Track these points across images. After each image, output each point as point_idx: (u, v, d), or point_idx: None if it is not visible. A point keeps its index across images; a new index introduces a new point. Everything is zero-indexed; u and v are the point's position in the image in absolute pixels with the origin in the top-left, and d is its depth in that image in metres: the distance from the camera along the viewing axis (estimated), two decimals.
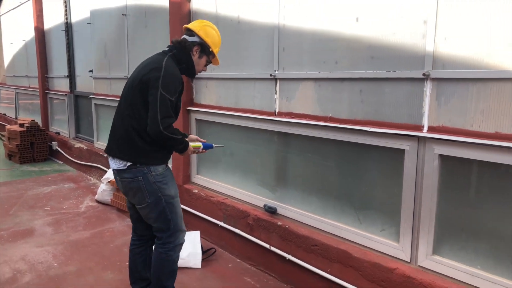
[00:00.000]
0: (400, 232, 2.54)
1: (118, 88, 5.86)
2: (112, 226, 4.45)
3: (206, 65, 2.69)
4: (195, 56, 2.60)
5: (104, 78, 6.23)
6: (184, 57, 2.56)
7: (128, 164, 2.46)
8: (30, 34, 8.94)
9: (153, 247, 2.68)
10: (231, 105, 3.81)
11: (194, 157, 4.30)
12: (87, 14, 6.44)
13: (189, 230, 3.52)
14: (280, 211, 3.35)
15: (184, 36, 2.61)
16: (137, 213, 2.67)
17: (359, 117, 2.73)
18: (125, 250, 3.77)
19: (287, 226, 3.20)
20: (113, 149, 2.52)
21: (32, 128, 7.72)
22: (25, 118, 9.41)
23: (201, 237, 3.72)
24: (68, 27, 7.37)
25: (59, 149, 7.79)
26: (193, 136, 2.85)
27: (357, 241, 2.80)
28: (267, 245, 3.34)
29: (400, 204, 2.53)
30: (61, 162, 7.70)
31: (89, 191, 5.78)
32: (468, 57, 2.16)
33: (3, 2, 11.16)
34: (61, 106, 8.01)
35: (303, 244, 3.05)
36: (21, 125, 7.81)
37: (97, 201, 5.25)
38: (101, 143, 6.52)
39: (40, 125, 8.13)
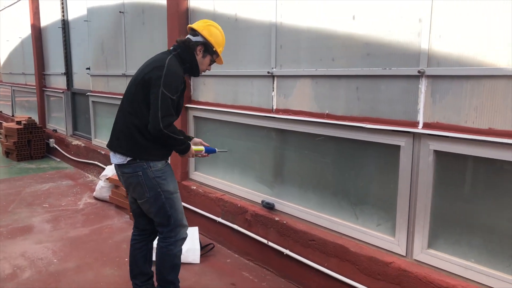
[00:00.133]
0: (396, 227, 2.59)
1: (115, 86, 5.87)
2: (111, 222, 4.48)
3: (210, 65, 2.72)
4: (198, 56, 2.63)
5: (101, 76, 6.24)
6: (188, 57, 2.60)
7: (128, 159, 2.51)
8: (27, 31, 8.91)
9: (155, 241, 2.73)
10: (229, 102, 3.84)
11: None
12: (84, 12, 6.44)
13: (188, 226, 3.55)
14: (277, 206, 3.39)
15: (188, 35, 2.64)
16: (139, 208, 2.71)
17: (355, 114, 2.76)
18: (124, 246, 3.80)
19: (284, 222, 3.24)
20: (114, 144, 2.57)
21: (29, 126, 7.72)
22: (21, 115, 9.39)
23: (199, 233, 3.77)
24: (65, 24, 7.37)
25: (56, 146, 7.79)
26: (197, 139, 2.88)
27: (353, 236, 2.84)
28: (265, 241, 3.38)
29: (396, 199, 2.57)
30: (59, 160, 7.70)
31: (87, 188, 5.80)
32: (462, 55, 2.20)
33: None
34: (58, 104, 8.00)
35: (301, 239, 3.10)
36: (18, 123, 7.80)
37: (95, 198, 5.27)
38: (99, 140, 6.53)
39: (37, 123, 8.12)
